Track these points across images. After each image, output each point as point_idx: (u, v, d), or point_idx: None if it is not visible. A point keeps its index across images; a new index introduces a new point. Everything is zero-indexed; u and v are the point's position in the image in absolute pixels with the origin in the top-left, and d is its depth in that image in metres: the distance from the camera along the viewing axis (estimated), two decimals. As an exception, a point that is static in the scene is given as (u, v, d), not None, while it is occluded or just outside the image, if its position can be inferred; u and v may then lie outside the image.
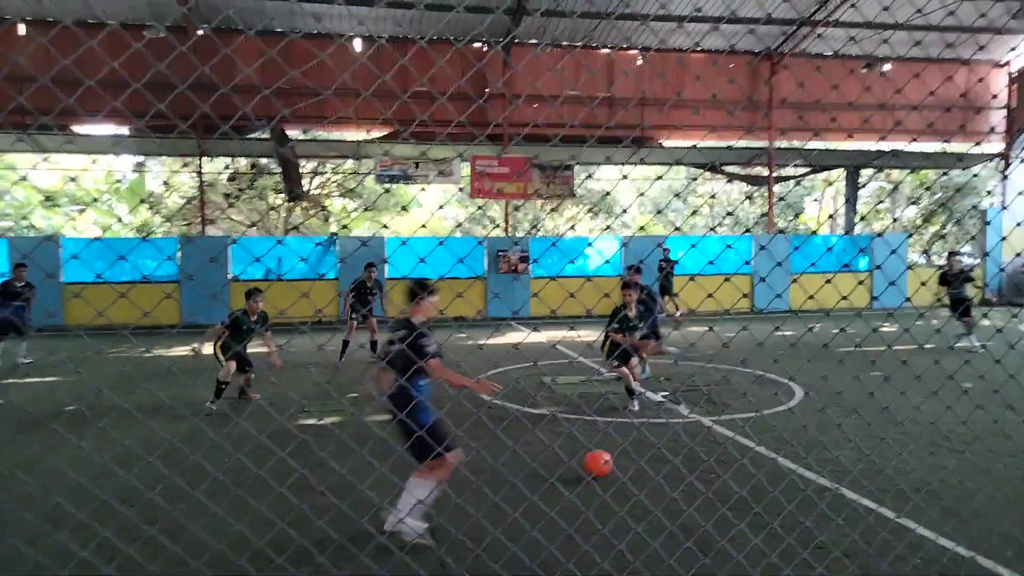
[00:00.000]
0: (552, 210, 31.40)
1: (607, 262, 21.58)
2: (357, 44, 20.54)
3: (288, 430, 6.80)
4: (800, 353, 10.09)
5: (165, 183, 27.75)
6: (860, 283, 4.23)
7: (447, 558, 4.29)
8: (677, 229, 3.97)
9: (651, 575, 4.04)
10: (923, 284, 4.32)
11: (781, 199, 10.98)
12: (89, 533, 4.25)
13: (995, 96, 24.55)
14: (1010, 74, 23.96)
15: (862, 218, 29.58)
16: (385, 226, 4.57)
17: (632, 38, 21.61)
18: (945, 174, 27.36)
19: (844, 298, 4.09)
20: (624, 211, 11.54)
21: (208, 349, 8.45)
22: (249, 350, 9.04)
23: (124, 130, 20.35)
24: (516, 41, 20.90)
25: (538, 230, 30.31)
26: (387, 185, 22.44)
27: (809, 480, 5.69)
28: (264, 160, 24.43)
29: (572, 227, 6.80)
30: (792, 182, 26.46)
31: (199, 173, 21.50)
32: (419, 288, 4.75)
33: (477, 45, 21.15)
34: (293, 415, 8.18)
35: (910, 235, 28.33)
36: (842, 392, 8.88)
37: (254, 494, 4.70)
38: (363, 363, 12.08)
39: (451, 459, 4.60)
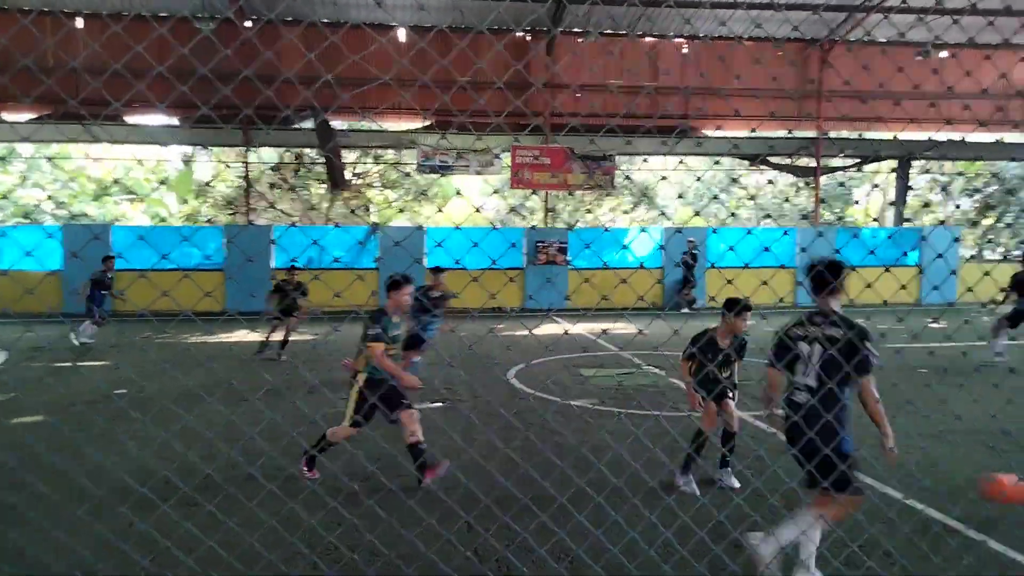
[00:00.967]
0: (592, 201, 31.21)
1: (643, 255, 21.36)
2: (401, 34, 20.64)
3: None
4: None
5: (213, 175, 28.36)
6: (904, 283, 4.08)
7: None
8: (733, 215, 3.89)
9: None
10: (986, 274, 4.12)
11: (841, 184, 10.68)
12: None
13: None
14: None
15: (907, 213, 28.67)
16: (424, 224, 4.59)
17: (673, 28, 21.27)
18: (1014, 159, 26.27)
19: (903, 287, 3.96)
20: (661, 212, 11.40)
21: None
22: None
23: (174, 120, 20.84)
24: (561, 31, 20.75)
25: (576, 222, 30.16)
26: (429, 175, 22.56)
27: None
28: (309, 151, 24.78)
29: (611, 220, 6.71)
30: (840, 173, 25.81)
31: (245, 164, 21.91)
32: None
33: (519, 35, 21.07)
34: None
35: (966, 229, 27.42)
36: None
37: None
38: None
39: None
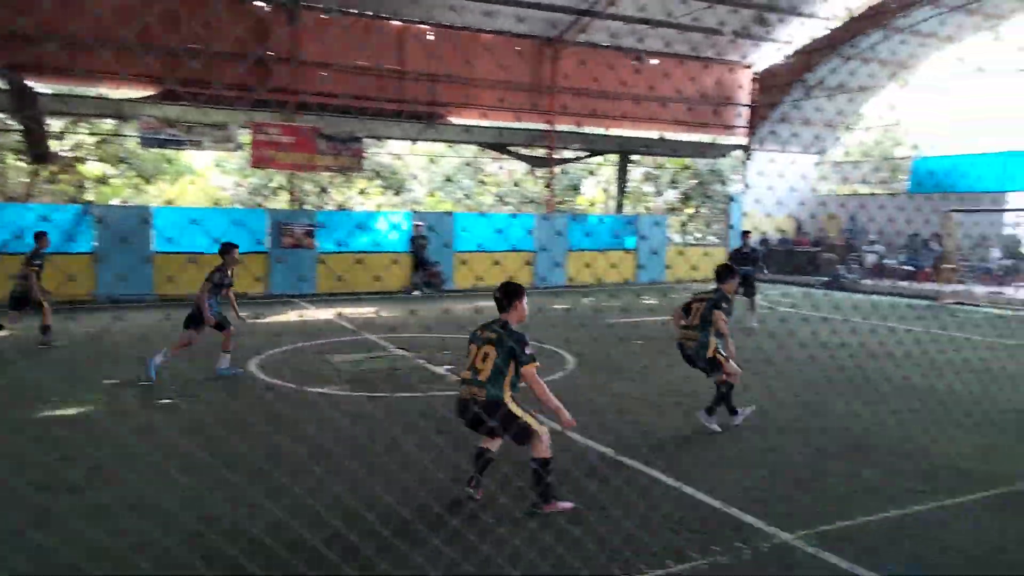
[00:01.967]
0: (341, 184, 30.70)
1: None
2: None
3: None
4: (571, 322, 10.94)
5: None
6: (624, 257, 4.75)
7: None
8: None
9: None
10: (679, 254, 4.91)
11: (565, 173, 11.72)
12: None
13: (741, 87, 27.46)
14: (754, 75, 27.12)
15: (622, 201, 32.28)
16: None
17: (421, 13, 21.60)
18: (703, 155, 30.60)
19: (613, 266, 4.58)
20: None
21: None
22: None
23: None
24: (303, 4, 19.92)
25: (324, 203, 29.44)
26: (156, 150, 20.49)
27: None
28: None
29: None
30: (570, 164, 28.23)
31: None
32: None
33: (259, 4, 19.90)
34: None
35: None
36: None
37: None
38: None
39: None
